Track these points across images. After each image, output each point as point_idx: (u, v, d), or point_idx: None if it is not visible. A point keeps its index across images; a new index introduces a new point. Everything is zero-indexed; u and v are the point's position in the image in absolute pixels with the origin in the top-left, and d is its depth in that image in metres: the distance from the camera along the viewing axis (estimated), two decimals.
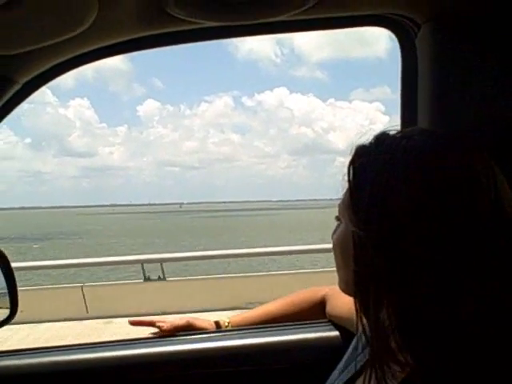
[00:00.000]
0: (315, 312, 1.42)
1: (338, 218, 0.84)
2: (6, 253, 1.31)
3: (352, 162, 0.76)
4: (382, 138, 0.76)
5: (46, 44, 1.03)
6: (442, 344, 0.68)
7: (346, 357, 0.99)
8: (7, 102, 1.18)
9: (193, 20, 1.03)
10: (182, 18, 1.02)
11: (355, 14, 1.11)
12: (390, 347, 0.73)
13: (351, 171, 0.75)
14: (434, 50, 1.06)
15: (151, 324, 1.41)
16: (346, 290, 0.84)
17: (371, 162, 0.74)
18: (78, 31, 1.01)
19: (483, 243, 0.68)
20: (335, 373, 0.99)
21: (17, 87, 1.16)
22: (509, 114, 1.00)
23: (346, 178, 0.76)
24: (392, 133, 0.77)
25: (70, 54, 1.13)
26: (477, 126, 1.00)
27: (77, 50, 1.12)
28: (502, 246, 0.69)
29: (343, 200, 0.80)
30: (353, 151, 0.77)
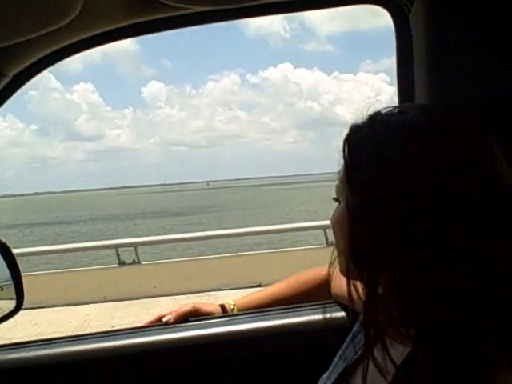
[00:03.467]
0: (320, 292, 1.42)
1: (336, 199, 0.84)
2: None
3: (347, 139, 0.77)
4: (376, 115, 0.77)
5: (33, 35, 1.02)
6: (442, 311, 0.69)
7: (349, 338, 0.99)
8: None
9: (179, 6, 1.02)
10: (169, 4, 1.00)
11: None
12: (392, 319, 0.74)
13: (346, 147, 0.76)
14: (428, 26, 1.03)
15: (159, 320, 1.41)
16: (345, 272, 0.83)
17: (366, 137, 0.74)
18: (66, 21, 0.99)
19: (480, 213, 0.69)
20: (338, 355, 0.99)
21: (6, 80, 1.15)
22: (505, 88, 0.98)
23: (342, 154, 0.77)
24: (386, 110, 0.78)
25: (59, 44, 1.12)
26: (474, 101, 0.99)
27: (65, 40, 1.11)
28: (499, 216, 0.69)
29: (340, 179, 0.80)
30: (347, 129, 0.78)
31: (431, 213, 0.68)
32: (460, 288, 0.68)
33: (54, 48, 1.13)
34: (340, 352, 0.99)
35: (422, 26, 1.05)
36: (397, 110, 0.77)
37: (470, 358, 0.67)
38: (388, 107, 0.78)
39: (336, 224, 0.83)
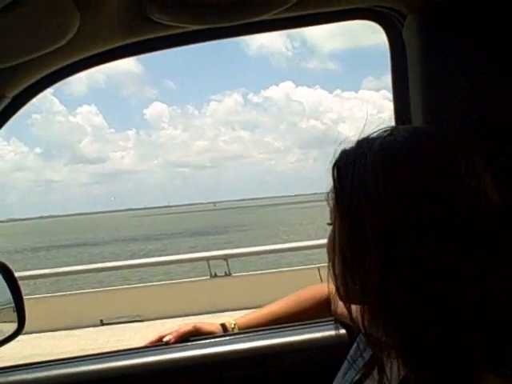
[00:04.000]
0: (321, 310, 1.41)
1: (330, 224, 0.85)
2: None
3: (335, 164, 0.79)
4: (362, 140, 0.79)
5: (32, 56, 1.04)
6: (435, 325, 0.69)
7: (348, 357, 1.00)
8: None
9: (176, 24, 1.04)
10: (165, 23, 1.02)
11: (339, 8, 1.10)
12: (387, 337, 0.74)
13: (335, 172, 0.78)
14: (421, 41, 1.05)
15: (159, 340, 1.41)
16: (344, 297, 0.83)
17: (352, 162, 0.76)
18: (63, 42, 1.01)
19: (467, 230, 0.70)
20: (339, 374, 0.99)
21: (6, 101, 1.17)
22: (499, 102, 0.99)
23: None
24: (374, 135, 0.80)
25: (58, 64, 1.14)
26: (466, 113, 1.00)
27: (64, 60, 1.13)
28: (484, 232, 0.70)
29: (331, 203, 0.81)
30: (336, 155, 0.80)
31: (417, 232, 0.70)
32: (454, 302, 0.69)
33: (52, 69, 1.14)
34: (340, 375, 0.99)
35: (415, 40, 1.06)
36: (385, 133, 0.79)
37: (460, 369, 0.68)
38: (377, 131, 0.80)
39: (329, 247, 0.84)
